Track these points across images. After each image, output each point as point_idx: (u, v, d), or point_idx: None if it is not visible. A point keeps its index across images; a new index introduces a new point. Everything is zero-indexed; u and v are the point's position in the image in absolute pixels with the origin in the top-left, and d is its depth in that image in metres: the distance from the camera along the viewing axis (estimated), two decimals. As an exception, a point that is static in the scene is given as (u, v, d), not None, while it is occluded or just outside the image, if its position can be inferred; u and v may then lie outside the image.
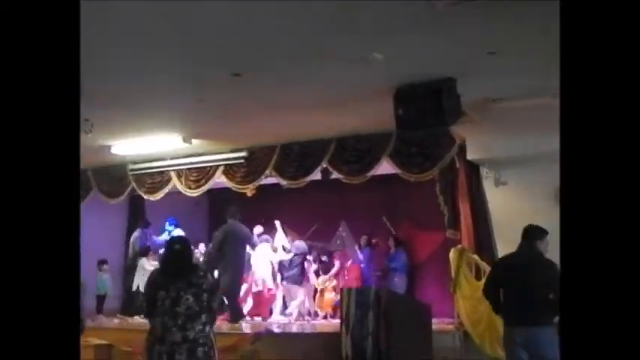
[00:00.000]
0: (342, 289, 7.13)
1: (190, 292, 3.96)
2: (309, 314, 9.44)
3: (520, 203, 7.94)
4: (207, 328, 4.03)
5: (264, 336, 7.18)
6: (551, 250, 4.76)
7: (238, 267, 8.65)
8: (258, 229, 9.72)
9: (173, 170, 9.33)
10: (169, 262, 4.20)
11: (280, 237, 9.60)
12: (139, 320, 8.69)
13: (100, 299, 9.86)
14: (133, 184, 9.62)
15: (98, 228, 9.84)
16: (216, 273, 8.28)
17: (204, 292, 4.01)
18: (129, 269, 10.28)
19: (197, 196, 9.72)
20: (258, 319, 9.42)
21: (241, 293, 9.28)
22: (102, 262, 9.99)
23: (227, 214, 8.83)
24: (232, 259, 8.51)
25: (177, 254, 4.16)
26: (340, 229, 10.25)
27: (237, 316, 8.43)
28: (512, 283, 4.69)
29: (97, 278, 9.81)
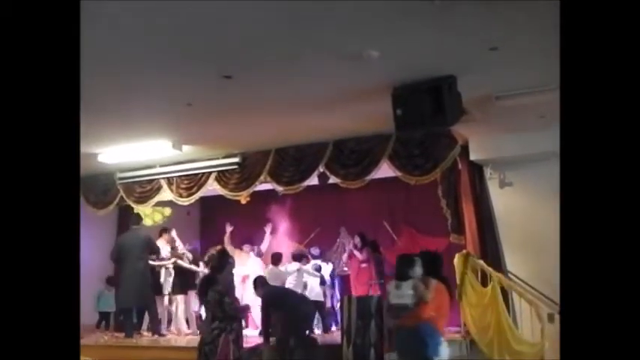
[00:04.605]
0: (342, 298, 7.11)
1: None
2: None
3: (526, 205, 7.88)
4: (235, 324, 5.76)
5: (262, 349, 7.14)
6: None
7: (139, 276, 8.78)
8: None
9: (163, 178, 9.27)
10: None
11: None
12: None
13: (103, 316, 9.88)
14: (122, 193, 9.56)
15: (85, 240, 9.76)
16: None
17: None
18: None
19: (188, 205, 9.69)
20: None
21: None
22: (110, 280, 9.98)
23: (130, 222, 9.44)
24: (130, 268, 8.76)
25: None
26: (341, 235, 10.22)
27: (129, 329, 8.64)
28: None
29: (99, 295, 9.85)
